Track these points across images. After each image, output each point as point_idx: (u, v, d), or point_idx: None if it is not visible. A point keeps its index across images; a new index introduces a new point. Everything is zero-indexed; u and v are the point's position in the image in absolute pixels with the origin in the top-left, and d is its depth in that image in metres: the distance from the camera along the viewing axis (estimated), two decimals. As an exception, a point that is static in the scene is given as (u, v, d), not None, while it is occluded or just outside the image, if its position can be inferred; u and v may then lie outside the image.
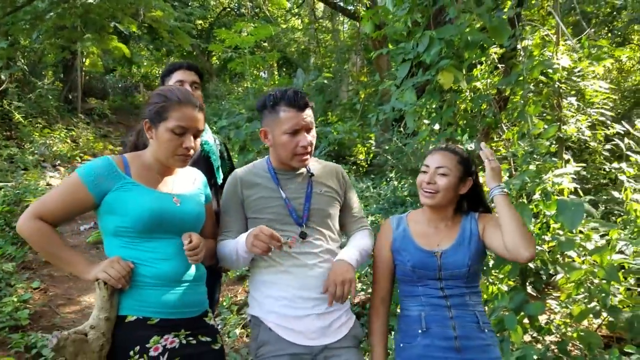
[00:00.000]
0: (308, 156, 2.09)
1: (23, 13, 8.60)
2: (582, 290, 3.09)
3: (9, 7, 8.17)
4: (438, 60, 3.43)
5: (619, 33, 9.49)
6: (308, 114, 2.06)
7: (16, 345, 3.88)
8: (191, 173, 2.09)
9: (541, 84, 4.00)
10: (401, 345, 2.07)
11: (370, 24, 4.27)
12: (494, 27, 3.29)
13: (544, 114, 4.09)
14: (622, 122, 4.14)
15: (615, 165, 3.83)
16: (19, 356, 3.80)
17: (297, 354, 1.98)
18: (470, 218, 2.13)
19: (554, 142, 3.87)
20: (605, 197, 5.00)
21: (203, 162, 2.65)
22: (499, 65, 4.14)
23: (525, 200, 3.32)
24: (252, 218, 2.11)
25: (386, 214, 4.87)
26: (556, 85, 3.91)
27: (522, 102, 3.65)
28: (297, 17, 18.64)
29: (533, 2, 4.81)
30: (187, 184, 2.02)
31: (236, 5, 19.03)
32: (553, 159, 3.46)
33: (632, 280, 3.34)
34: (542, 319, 3.43)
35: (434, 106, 3.88)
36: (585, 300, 3.09)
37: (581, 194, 3.52)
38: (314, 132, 2.11)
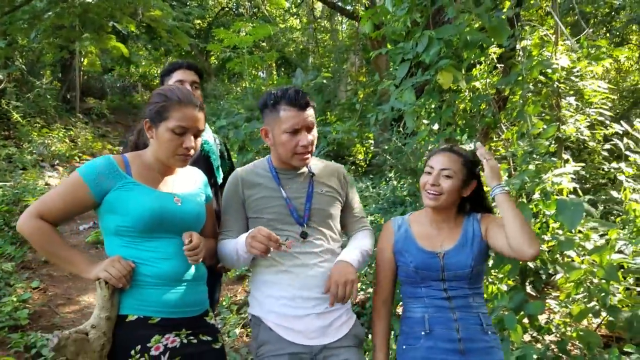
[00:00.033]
0: (309, 155, 2.09)
1: (21, 12, 8.58)
2: (582, 289, 3.09)
3: (7, 7, 8.15)
4: (437, 60, 3.43)
5: (618, 33, 9.50)
6: (309, 114, 2.06)
7: (16, 345, 3.87)
8: (191, 173, 2.09)
9: (540, 84, 4.00)
10: (404, 347, 2.06)
11: (369, 24, 4.27)
12: (493, 27, 3.29)
13: (543, 114, 4.09)
14: (621, 122, 4.14)
15: (614, 165, 3.84)
16: (18, 356, 3.80)
17: (297, 353, 1.98)
18: (472, 219, 2.12)
19: (553, 142, 3.88)
20: (604, 197, 5.01)
21: (203, 162, 2.65)
22: (498, 65, 4.14)
23: (524, 200, 3.32)
24: (253, 218, 2.11)
25: (385, 214, 4.87)
26: (555, 85, 3.92)
27: (521, 102, 3.65)
28: (295, 17, 18.63)
29: (532, 2, 4.81)
30: (187, 183, 2.02)
31: (235, 5, 19.01)
32: (552, 158, 3.46)
33: (631, 280, 3.34)
34: (542, 318, 3.43)
35: (433, 106, 3.88)
36: (585, 300, 3.10)
37: (580, 193, 3.52)
38: (315, 131, 2.11)
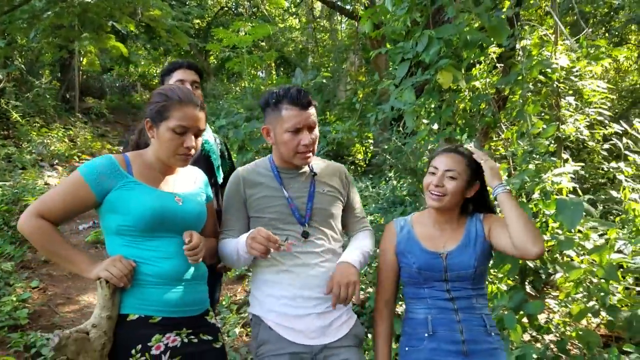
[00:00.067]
0: (310, 154, 2.09)
1: (20, 12, 8.57)
2: (581, 289, 3.10)
3: (6, 6, 8.14)
4: (437, 59, 3.44)
5: (617, 33, 9.51)
6: (311, 113, 2.06)
7: (15, 345, 3.87)
8: (192, 172, 2.09)
9: (540, 84, 4.01)
10: (407, 348, 2.04)
11: (369, 24, 4.27)
12: (493, 26, 3.30)
13: (543, 114, 4.10)
14: (620, 121, 4.15)
15: (613, 164, 3.84)
16: (18, 355, 3.79)
17: (297, 353, 1.98)
18: (475, 219, 2.11)
19: (553, 142, 3.88)
20: (603, 197, 5.02)
21: (203, 161, 2.65)
22: (498, 65, 4.15)
23: (524, 200, 3.33)
24: (255, 217, 2.11)
25: (385, 214, 4.87)
26: (555, 85, 3.92)
27: (521, 101, 3.66)
28: (294, 16, 18.63)
29: (531, 2, 4.82)
30: (188, 183, 2.02)
31: (234, 4, 19.00)
32: (552, 158, 3.47)
33: (630, 280, 3.35)
34: (541, 318, 3.44)
35: (432, 106, 3.88)
36: (584, 300, 3.11)
37: (580, 193, 3.53)
38: (316, 130, 2.11)
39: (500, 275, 3.26)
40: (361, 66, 12.98)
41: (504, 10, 3.65)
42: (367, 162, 8.99)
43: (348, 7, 11.71)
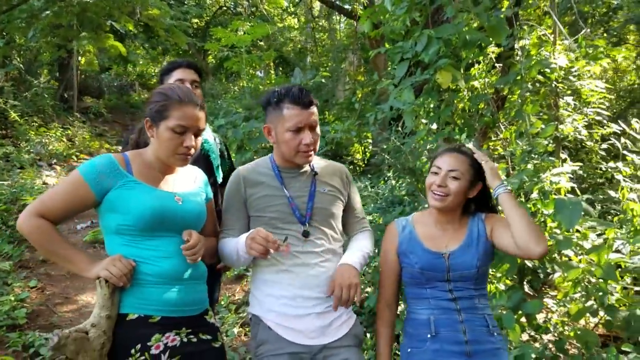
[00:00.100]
0: (312, 153, 2.08)
1: (19, 11, 8.58)
2: (579, 289, 3.10)
3: (4, 6, 8.14)
4: (436, 59, 3.44)
5: (615, 33, 9.52)
6: (312, 112, 2.06)
7: (14, 345, 3.86)
8: (192, 171, 2.09)
9: (538, 84, 4.01)
10: (409, 350, 2.03)
11: (368, 23, 4.27)
12: (492, 26, 3.30)
13: (541, 114, 4.10)
14: (619, 121, 4.16)
15: (611, 164, 3.85)
16: (16, 355, 3.79)
17: (296, 352, 1.98)
18: (477, 219, 2.10)
19: (551, 142, 3.89)
20: (601, 197, 5.02)
21: (203, 161, 2.65)
22: (497, 65, 4.15)
23: (523, 199, 3.33)
24: (255, 216, 2.10)
25: (384, 214, 4.87)
26: (553, 85, 3.92)
27: (519, 101, 3.66)
28: (293, 16, 18.62)
29: (530, 1, 4.82)
30: (188, 182, 2.02)
31: (232, 4, 18.99)
32: (550, 158, 3.47)
33: (628, 279, 3.35)
34: (540, 317, 3.44)
35: (431, 105, 3.88)
36: (583, 299, 3.11)
37: (579, 193, 3.53)
38: (318, 129, 2.11)
39: (498, 275, 3.26)
40: (360, 66, 12.98)
41: (503, 10, 3.65)
42: (365, 162, 8.99)
43: (347, 6, 11.72)
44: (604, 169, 4.39)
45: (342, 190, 2.23)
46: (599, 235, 3.23)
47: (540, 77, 3.80)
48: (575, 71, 3.99)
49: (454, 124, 3.89)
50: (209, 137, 2.79)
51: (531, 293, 3.56)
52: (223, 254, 2.09)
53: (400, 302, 2.36)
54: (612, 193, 4.31)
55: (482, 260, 2.01)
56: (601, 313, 3.06)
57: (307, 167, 2.18)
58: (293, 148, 2.05)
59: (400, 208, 4.66)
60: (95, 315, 1.74)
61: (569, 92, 4.13)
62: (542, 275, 3.49)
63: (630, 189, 3.53)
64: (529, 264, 3.26)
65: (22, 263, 5.62)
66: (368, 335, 3.68)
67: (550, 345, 3.18)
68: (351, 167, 8.98)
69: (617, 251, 3.13)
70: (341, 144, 8.94)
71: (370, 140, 8.69)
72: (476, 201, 2.13)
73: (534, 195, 3.20)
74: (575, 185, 3.41)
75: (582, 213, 2.74)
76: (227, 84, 17.74)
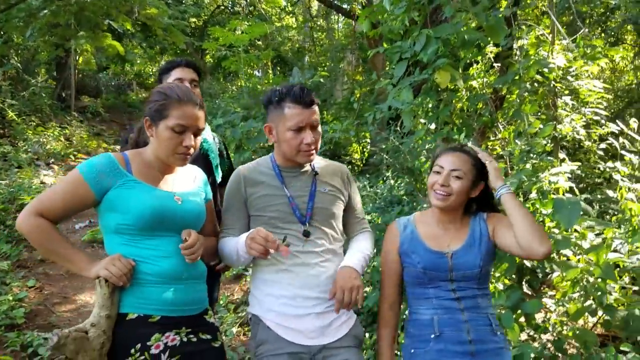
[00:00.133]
0: (313, 152, 2.08)
1: (17, 10, 8.55)
2: (578, 288, 3.11)
3: (2, 5, 8.12)
4: (435, 59, 3.44)
5: (613, 33, 9.54)
6: (314, 111, 2.05)
7: (12, 344, 3.86)
8: (191, 171, 2.09)
9: (536, 83, 4.02)
10: (412, 351, 2.01)
11: (366, 23, 4.27)
12: (491, 26, 3.30)
13: (539, 113, 4.10)
14: (617, 121, 4.16)
15: (609, 164, 3.85)
16: (15, 355, 3.78)
17: (296, 352, 1.97)
18: (478, 219, 2.09)
19: (550, 141, 3.89)
20: (600, 196, 5.03)
21: (202, 160, 2.64)
22: (495, 65, 4.15)
23: (521, 199, 3.34)
24: (255, 216, 2.10)
25: (382, 213, 4.88)
26: (552, 85, 3.93)
27: (518, 101, 3.67)
28: (291, 15, 18.61)
29: (529, 1, 4.82)
30: (187, 182, 2.02)
31: (230, 3, 18.98)
32: (549, 158, 3.48)
33: (627, 279, 3.36)
34: (538, 317, 3.44)
35: (430, 105, 3.88)
36: (581, 299, 3.11)
37: (577, 192, 3.54)
38: (319, 129, 2.10)
39: (497, 275, 3.26)
40: (358, 65, 12.98)
41: (502, 9, 3.65)
42: (363, 162, 8.99)
43: (345, 6, 11.71)
44: (602, 168, 4.38)
45: (342, 190, 2.22)
46: (597, 235, 3.24)
47: (538, 77, 3.80)
48: (573, 71, 4.00)
49: (453, 123, 3.90)
50: (208, 136, 2.78)
51: (530, 293, 3.56)
52: (223, 254, 2.09)
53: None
54: (610, 193, 4.32)
55: (485, 260, 2.01)
56: (600, 313, 3.06)
57: (307, 167, 2.17)
58: (294, 147, 2.04)
59: (399, 208, 4.66)
60: (94, 314, 1.74)
61: (566, 92, 4.14)
62: (540, 275, 3.49)
63: (629, 188, 3.53)
64: (527, 263, 3.26)
65: (20, 262, 5.61)
66: (367, 335, 3.68)
67: (549, 345, 3.18)
68: (349, 166, 8.98)
69: (616, 251, 3.14)
70: (339, 143, 8.95)
71: (368, 140, 8.68)
72: (478, 201, 2.12)
73: (533, 195, 3.20)
74: (573, 185, 3.41)
75: (581, 213, 2.74)
76: (225, 83, 17.74)
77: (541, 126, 3.54)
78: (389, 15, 4.05)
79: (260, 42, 15.35)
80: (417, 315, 2.04)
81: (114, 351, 1.74)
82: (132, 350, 1.74)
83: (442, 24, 3.70)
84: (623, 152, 3.71)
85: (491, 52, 3.99)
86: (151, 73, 20.86)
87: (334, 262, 2.10)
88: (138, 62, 19.11)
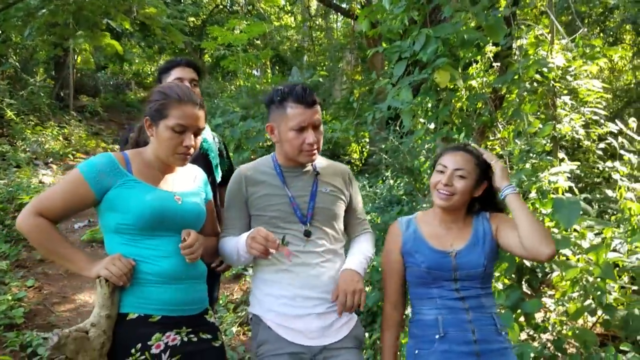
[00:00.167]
0: (315, 152, 2.07)
1: (15, 10, 8.55)
2: (578, 288, 3.11)
3: (1, 4, 8.12)
4: (434, 58, 3.44)
5: (611, 33, 9.55)
6: (316, 111, 2.05)
7: (11, 344, 3.85)
8: (191, 171, 2.09)
9: (536, 83, 4.02)
10: (416, 351, 1.99)
11: (366, 22, 4.28)
12: (490, 25, 3.31)
13: (538, 113, 4.11)
14: (616, 120, 4.17)
15: (609, 164, 3.86)
16: (14, 355, 3.77)
17: (296, 353, 1.97)
18: (481, 218, 2.08)
19: (549, 141, 3.89)
20: (599, 196, 5.03)
21: (201, 160, 2.64)
22: (494, 64, 4.15)
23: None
24: (256, 215, 2.10)
25: (382, 213, 4.87)
26: (551, 84, 3.93)
27: (517, 100, 3.67)
28: (290, 14, 18.60)
29: (528, 1, 4.83)
30: (187, 181, 2.02)
31: (229, 2, 18.96)
32: (548, 157, 3.48)
33: (626, 278, 3.36)
34: (538, 317, 3.45)
35: (429, 105, 3.89)
36: (581, 299, 3.12)
37: (577, 192, 3.54)
38: (321, 128, 2.10)
39: (496, 274, 3.26)
40: (357, 65, 12.98)
41: (501, 9, 3.66)
42: (363, 162, 8.99)
43: (344, 5, 11.70)
44: (601, 168, 4.39)
45: (344, 191, 2.21)
46: (596, 235, 3.24)
47: (537, 76, 3.81)
48: (573, 71, 4.00)
49: (452, 123, 3.90)
50: (207, 136, 2.78)
51: (529, 292, 3.57)
52: (224, 253, 2.08)
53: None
54: (609, 192, 4.32)
55: (489, 259, 1.99)
56: (599, 312, 3.06)
57: (309, 167, 2.17)
58: (296, 147, 2.03)
59: (399, 208, 4.66)
60: (95, 314, 1.73)
61: (565, 91, 4.14)
62: (540, 275, 3.50)
63: (628, 188, 3.54)
64: (527, 263, 3.26)
65: (19, 262, 5.61)
66: (367, 334, 3.68)
67: (549, 345, 3.18)
68: (348, 166, 8.98)
69: (615, 250, 3.14)
70: (338, 143, 8.94)
71: (367, 140, 8.68)
72: (481, 200, 2.11)
73: (532, 194, 3.20)
74: (573, 185, 3.41)
75: (581, 212, 2.74)
76: (224, 83, 17.71)
77: (540, 126, 3.54)
78: (388, 14, 4.05)
79: (259, 42, 15.33)
80: (421, 315, 2.02)
81: (115, 351, 1.74)
82: (133, 350, 1.73)
83: (441, 24, 3.70)
84: (622, 151, 3.72)
85: (490, 51, 3.99)
86: (150, 72, 20.84)
87: (334, 262, 2.10)
88: (136, 61, 19.11)
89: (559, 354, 3.00)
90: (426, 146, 4.12)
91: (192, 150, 1.90)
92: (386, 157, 4.88)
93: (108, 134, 13.64)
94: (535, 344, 3.18)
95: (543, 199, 3.10)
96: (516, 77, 3.56)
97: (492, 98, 4.01)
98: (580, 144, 5.32)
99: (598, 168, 4.81)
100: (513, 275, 3.27)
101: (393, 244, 2.12)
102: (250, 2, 17.12)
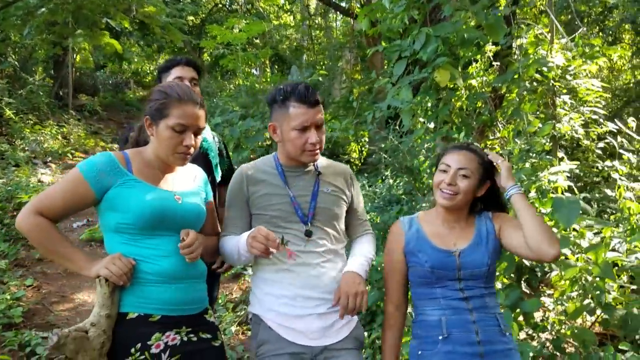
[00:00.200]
0: (318, 152, 2.07)
1: (14, 9, 8.54)
2: (577, 287, 3.11)
3: (0, 3, 8.11)
4: (434, 57, 3.44)
5: (611, 32, 9.56)
6: (318, 110, 2.04)
7: (10, 344, 3.84)
8: (192, 170, 2.08)
9: (535, 82, 4.02)
10: (419, 352, 1.97)
11: (366, 21, 4.28)
12: (490, 24, 3.31)
13: (538, 112, 4.11)
14: (615, 120, 4.17)
15: (608, 163, 3.86)
16: (13, 354, 3.77)
17: (297, 353, 1.96)
18: (484, 217, 2.07)
19: (549, 140, 3.90)
20: (598, 195, 5.04)
21: (201, 159, 2.63)
22: (494, 63, 4.16)
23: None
24: (257, 214, 2.09)
25: (381, 213, 4.88)
26: (551, 84, 3.93)
27: (517, 99, 3.67)
28: (289, 13, 18.58)
29: (527, 0, 4.83)
30: (187, 181, 2.01)
31: (228, 1, 18.94)
32: (548, 157, 3.48)
33: (625, 278, 3.37)
34: (537, 316, 3.45)
35: (429, 104, 3.89)
36: (580, 298, 3.12)
37: (576, 191, 3.55)
38: (324, 128, 2.09)
39: (496, 273, 3.26)
40: (356, 64, 12.98)
41: (501, 8, 3.66)
42: (362, 161, 8.99)
43: (343, 4, 11.70)
44: (600, 167, 4.40)
45: (345, 191, 2.20)
46: (596, 234, 3.24)
47: (537, 75, 3.81)
48: (572, 70, 4.00)
49: (452, 122, 3.90)
50: (207, 135, 2.77)
51: (528, 291, 3.57)
52: (224, 252, 2.07)
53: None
54: (608, 191, 4.33)
55: (492, 258, 1.98)
56: (598, 311, 3.07)
57: (311, 167, 2.16)
58: (299, 147, 2.02)
59: (398, 207, 4.66)
60: (95, 314, 1.73)
61: (565, 91, 4.14)
62: (539, 274, 3.50)
63: (627, 187, 3.54)
64: (526, 262, 3.26)
65: (17, 261, 5.59)
66: (365, 333, 3.68)
67: (548, 344, 3.19)
68: (347, 165, 8.97)
69: (614, 250, 3.14)
70: (338, 142, 8.94)
71: (366, 139, 8.68)
72: (483, 200, 2.09)
73: (532, 194, 3.20)
74: (572, 184, 3.41)
75: (580, 212, 2.74)
76: (223, 82, 17.68)
77: (540, 125, 3.54)
78: (387, 13, 4.05)
79: (258, 41, 15.32)
80: (424, 316, 2.00)
81: (114, 351, 1.74)
82: (133, 350, 1.73)
83: (441, 23, 3.71)
84: (621, 150, 3.72)
85: (490, 50, 3.99)
86: (149, 71, 20.83)
87: (335, 262, 2.09)
88: (135, 60, 19.09)
89: (558, 353, 3.01)
90: (426, 145, 4.12)
91: (192, 150, 1.90)
92: (386, 156, 4.88)
93: (107, 133, 13.62)
94: (534, 343, 3.18)
95: (543, 199, 3.10)
96: (516, 76, 3.56)
97: (491, 97, 4.01)
98: (580, 143, 5.32)
99: (597, 167, 4.82)
100: (512, 275, 3.27)
101: (395, 243, 2.10)
102: (249, 1, 17.10)
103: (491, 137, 4.41)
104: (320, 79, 9.40)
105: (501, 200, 2.12)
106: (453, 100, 3.86)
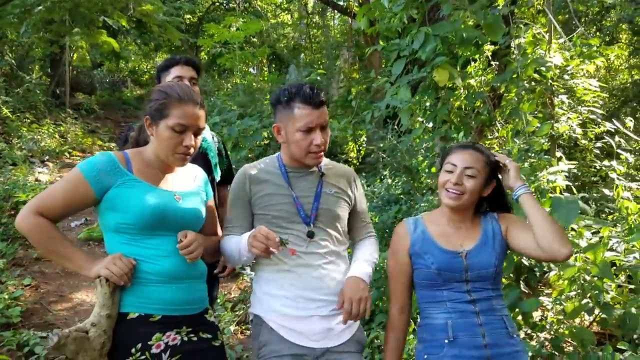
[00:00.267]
0: (322, 154, 2.06)
1: (11, 7, 8.52)
2: (575, 287, 3.12)
3: (-4, 1, 8.09)
4: (433, 57, 3.44)
5: (608, 32, 9.57)
6: (323, 112, 2.02)
7: (8, 343, 3.83)
8: (192, 170, 2.08)
9: (534, 82, 4.03)
10: (425, 356, 1.94)
11: (365, 20, 4.27)
12: (489, 24, 3.31)
13: (536, 112, 4.12)
14: (613, 119, 4.18)
15: (605, 163, 3.87)
16: (11, 354, 3.76)
17: (299, 354, 1.95)
18: (489, 218, 2.04)
19: (547, 140, 3.90)
20: (596, 195, 5.05)
21: (201, 159, 2.63)
22: (492, 63, 4.16)
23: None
24: (259, 214, 2.08)
25: (380, 212, 4.88)
26: (549, 83, 3.94)
27: (516, 99, 3.68)
28: (287, 12, 18.57)
29: (525, 0, 4.84)
30: (187, 181, 2.01)
31: None
32: (546, 156, 3.49)
33: (623, 277, 3.38)
34: (536, 315, 3.46)
35: (428, 103, 3.89)
36: (578, 297, 3.13)
37: (575, 191, 3.55)
38: (328, 129, 2.08)
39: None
40: (354, 63, 12.97)
41: (500, 8, 3.66)
42: (360, 161, 8.99)
43: (341, 2, 11.69)
44: (598, 167, 4.41)
45: (348, 193, 2.19)
46: (594, 234, 3.25)
47: (536, 75, 3.81)
48: (570, 70, 4.01)
49: (451, 122, 3.90)
50: (207, 135, 2.77)
51: (527, 291, 3.58)
52: (225, 252, 2.06)
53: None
54: (606, 191, 4.34)
55: (500, 259, 1.95)
56: (596, 311, 3.07)
57: (314, 168, 2.14)
58: (304, 148, 2.01)
59: (397, 207, 4.66)
60: (95, 314, 1.73)
61: (563, 90, 4.15)
62: (538, 274, 3.50)
63: (625, 187, 3.55)
64: (525, 262, 3.27)
65: (15, 261, 5.57)
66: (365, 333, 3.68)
67: (547, 343, 3.19)
68: (345, 165, 8.98)
69: (612, 249, 3.15)
70: (336, 142, 8.94)
71: (365, 139, 8.69)
72: (488, 200, 2.07)
73: (531, 193, 3.20)
74: (570, 184, 3.42)
75: (578, 211, 2.75)
76: (220, 80, 17.66)
77: (539, 125, 3.55)
78: (386, 12, 4.05)
79: (255, 39, 15.30)
80: (430, 319, 1.98)
81: (115, 351, 1.74)
82: (133, 350, 1.73)
83: (440, 22, 3.71)
84: (619, 150, 3.73)
85: (489, 50, 4.00)
86: (146, 70, 20.79)
87: (337, 264, 2.08)
88: (133, 58, 19.07)
89: (557, 353, 3.01)
90: (424, 145, 4.13)
91: (192, 150, 1.89)
92: (384, 156, 4.88)
93: (104, 131, 13.58)
94: (533, 342, 3.19)
95: (541, 198, 3.10)
96: (514, 76, 3.57)
97: (490, 97, 4.02)
98: (578, 142, 5.33)
99: (595, 167, 4.83)
100: (511, 275, 3.27)
101: (400, 245, 2.07)
102: (246, 0, 17.08)
103: (490, 137, 4.41)
104: (319, 78, 9.40)
105: (506, 201, 2.10)
106: (452, 99, 3.87)
